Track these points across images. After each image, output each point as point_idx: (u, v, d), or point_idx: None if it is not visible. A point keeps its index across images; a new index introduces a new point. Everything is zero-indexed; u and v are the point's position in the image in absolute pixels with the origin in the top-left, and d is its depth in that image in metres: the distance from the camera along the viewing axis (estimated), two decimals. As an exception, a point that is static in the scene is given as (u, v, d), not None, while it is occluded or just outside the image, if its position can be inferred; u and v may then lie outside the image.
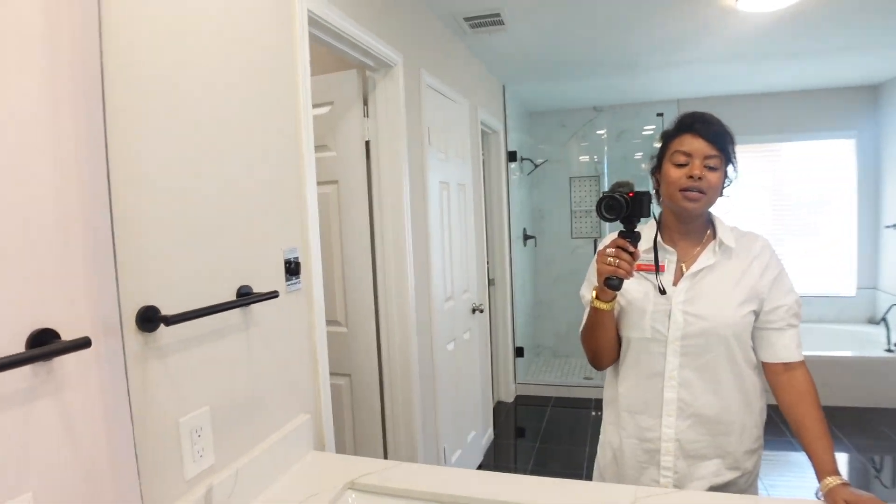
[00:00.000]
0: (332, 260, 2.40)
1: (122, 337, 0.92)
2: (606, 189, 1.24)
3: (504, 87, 4.62)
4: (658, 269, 1.33)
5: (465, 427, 3.29)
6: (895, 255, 4.84)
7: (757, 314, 1.31)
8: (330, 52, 2.03)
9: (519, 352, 4.87)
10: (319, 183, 1.86)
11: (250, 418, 1.29)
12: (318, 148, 2.28)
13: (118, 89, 0.94)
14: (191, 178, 1.11)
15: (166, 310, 1.01)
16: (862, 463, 3.47)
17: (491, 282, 4.42)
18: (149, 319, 0.98)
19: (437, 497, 1.25)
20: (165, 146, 1.05)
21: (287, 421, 1.43)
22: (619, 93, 5.03)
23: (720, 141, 1.26)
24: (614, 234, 1.29)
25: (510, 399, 4.73)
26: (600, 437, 1.52)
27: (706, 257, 1.33)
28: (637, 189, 1.23)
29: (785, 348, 1.30)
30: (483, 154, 4.13)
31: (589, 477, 1.53)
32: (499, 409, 4.54)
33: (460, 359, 3.20)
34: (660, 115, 4.87)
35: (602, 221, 1.23)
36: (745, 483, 1.34)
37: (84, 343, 0.78)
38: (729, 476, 1.32)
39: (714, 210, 1.36)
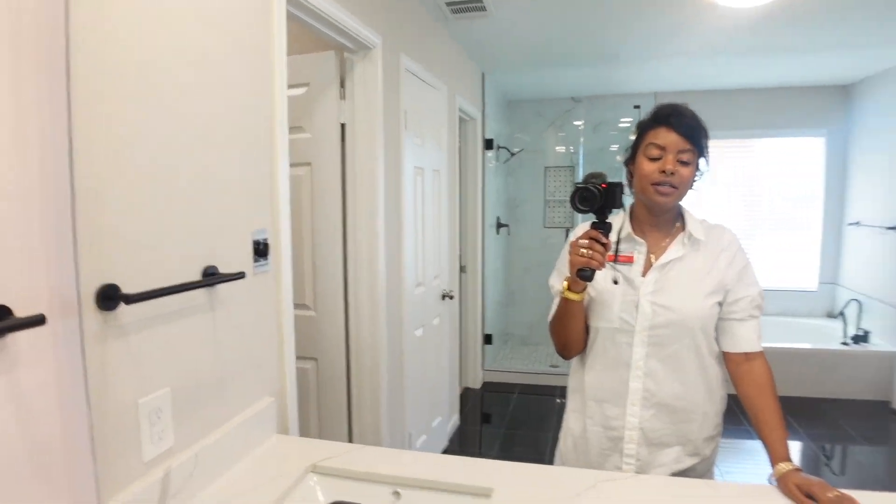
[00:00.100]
0: (303, 243, 2.38)
1: (80, 315, 0.89)
2: (580, 180, 1.25)
3: (483, 74, 4.60)
4: (617, 259, 1.34)
5: (432, 412, 3.31)
6: (856, 252, 4.99)
7: (721, 305, 1.34)
8: (308, 32, 2.00)
9: (488, 339, 4.90)
10: (292, 165, 1.83)
11: (213, 400, 1.27)
12: (293, 129, 2.24)
13: (83, 60, 0.90)
14: (156, 154, 1.08)
15: (127, 288, 0.99)
16: (814, 451, 3.59)
17: (463, 269, 4.43)
18: (109, 297, 0.95)
19: (399, 480, 1.25)
20: (131, 120, 1.02)
21: (251, 404, 1.42)
22: (597, 84, 5.05)
23: (694, 135, 1.28)
24: (585, 225, 1.30)
25: (477, 385, 4.76)
26: (563, 424, 1.54)
27: (675, 249, 1.35)
28: (609, 180, 1.24)
29: (746, 339, 1.33)
30: (459, 141, 4.11)
31: (552, 463, 1.55)
32: (466, 395, 4.57)
33: (429, 345, 3.21)
34: (637, 107, 4.91)
35: (575, 212, 1.24)
36: (702, 468, 1.39)
37: (38, 320, 0.75)
38: (689, 462, 1.36)
39: (684, 202, 1.38)
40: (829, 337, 4.80)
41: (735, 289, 1.33)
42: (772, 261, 5.37)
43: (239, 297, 1.36)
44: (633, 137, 1.39)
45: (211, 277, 1.22)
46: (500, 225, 5.34)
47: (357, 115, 2.33)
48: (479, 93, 4.54)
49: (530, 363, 5.22)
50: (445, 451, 3.53)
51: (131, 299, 0.96)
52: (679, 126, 1.27)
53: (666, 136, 1.28)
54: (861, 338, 4.49)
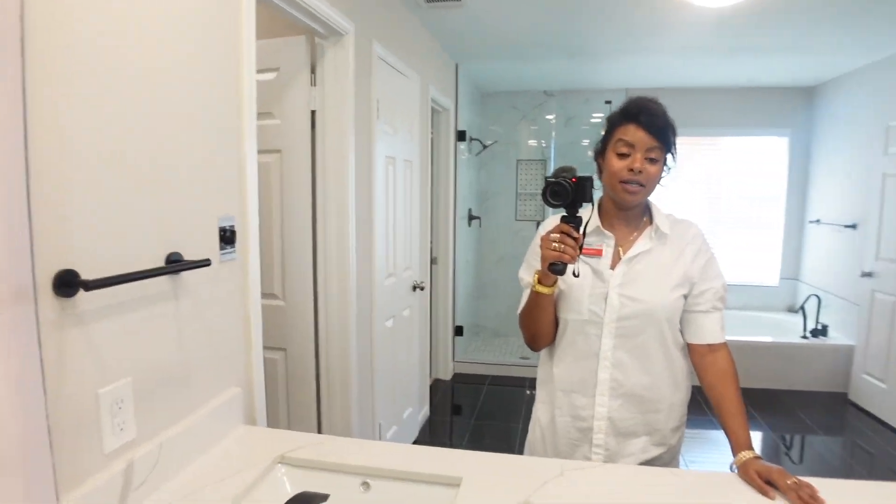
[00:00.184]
0: (272, 231, 2.34)
1: (36, 301, 0.86)
2: (550, 174, 1.24)
3: (457, 65, 4.58)
4: (581, 252, 1.35)
5: (402, 403, 3.30)
6: (816, 249, 5.13)
7: (686, 298, 1.36)
8: (278, 16, 1.95)
9: (458, 331, 4.91)
10: (261, 151, 1.80)
11: (177, 390, 1.24)
12: (262, 115, 2.20)
13: (38, 40, 0.86)
14: (119, 135, 1.05)
15: (87, 274, 0.95)
16: (774, 440, 3.70)
17: (434, 260, 4.42)
18: (67, 284, 0.92)
19: (368, 470, 1.24)
20: (92, 99, 0.98)
21: (217, 394, 1.39)
22: (570, 78, 5.08)
23: (662, 134, 1.29)
24: (555, 218, 1.30)
25: (448, 377, 4.77)
26: (532, 415, 1.55)
27: (643, 243, 1.36)
28: (579, 174, 1.24)
29: (710, 331, 1.36)
30: (432, 132, 4.10)
31: (522, 453, 1.56)
32: (436, 386, 4.57)
33: (399, 336, 3.20)
34: (608, 102, 4.96)
35: (546, 206, 1.24)
36: (668, 457, 1.41)
37: (-9, 306, 0.72)
38: (655, 452, 1.38)
39: (651, 197, 1.39)
40: (789, 331, 4.93)
41: (700, 281, 1.36)
42: (735, 257, 5.49)
43: (204, 286, 1.33)
44: (603, 132, 1.40)
45: (175, 264, 1.19)
46: (471, 217, 5.34)
47: (328, 102, 2.30)
48: (452, 84, 4.52)
49: (501, 355, 5.25)
50: (416, 442, 3.53)
51: (91, 286, 0.93)
52: (648, 125, 1.28)
53: (635, 134, 1.28)
54: (820, 332, 4.63)
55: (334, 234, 2.37)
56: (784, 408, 4.19)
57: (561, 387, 1.43)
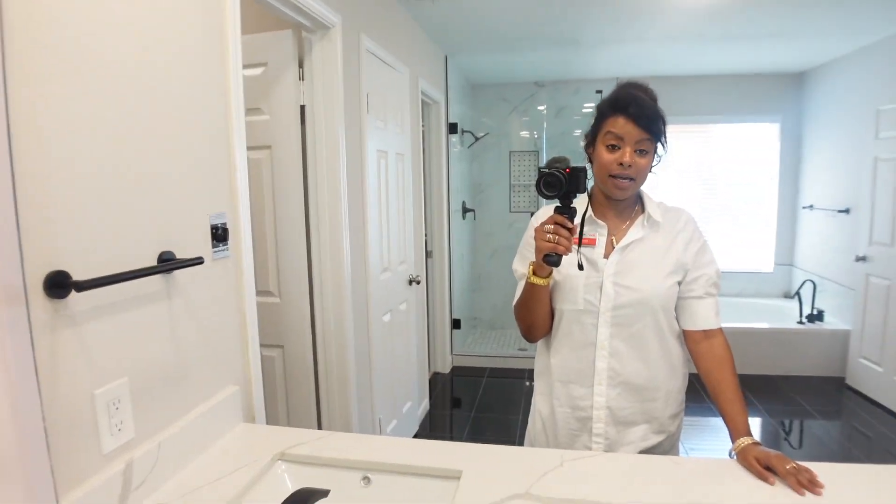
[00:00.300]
0: (265, 228, 2.33)
1: (28, 303, 0.85)
2: (543, 165, 1.24)
3: (447, 57, 4.56)
4: (581, 243, 1.35)
5: (401, 398, 3.30)
6: (810, 235, 5.15)
7: (680, 285, 1.36)
8: (264, 10, 1.93)
9: (456, 324, 4.91)
10: (252, 147, 1.79)
11: (174, 390, 1.23)
12: (251, 111, 2.19)
13: (20, 37, 0.85)
14: (105, 134, 1.03)
15: (78, 275, 0.94)
16: (773, 426, 3.72)
17: (429, 254, 4.42)
18: (58, 285, 0.91)
19: (369, 465, 1.24)
20: (78, 96, 0.97)
21: (214, 393, 1.38)
22: (560, 69, 5.06)
23: (653, 126, 1.27)
24: (549, 209, 1.30)
25: (446, 370, 4.77)
26: (531, 407, 1.55)
27: (635, 231, 1.36)
28: (573, 165, 1.23)
29: (704, 317, 1.36)
30: (423, 125, 4.08)
31: (522, 445, 1.56)
32: (435, 379, 4.58)
33: (396, 330, 3.20)
34: (598, 92, 4.93)
35: (540, 196, 1.23)
36: (668, 445, 1.41)
37: (-19, 309, 0.71)
38: (655, 440, 1.38)
39: (642, 185, 1.39)
40: (785, 317, 4.96)
41: (693, 268, 1.36)
42: (729, 244, 5.50)
43: (198, 284, 1.33)
44: (593, 121, 1.39)
45: (167, 263, 1.18)
46: (465, 210, 5.33)
47: (317, 97, 2.28)
48: (442, 76, 4.50)
49: (499, 347, 5.26)
50: (416, 436, 3.53)
51: (82, 286, 0.92)
52: (638, 117, 1.26)
53: (624, 127, 1.27)
54: (816, 317, 4.65)
55: (328, 230, 2.36)
56: (782, 393, 4.21)
57: (559, 377, 1.43)
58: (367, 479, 1.23)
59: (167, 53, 1.22)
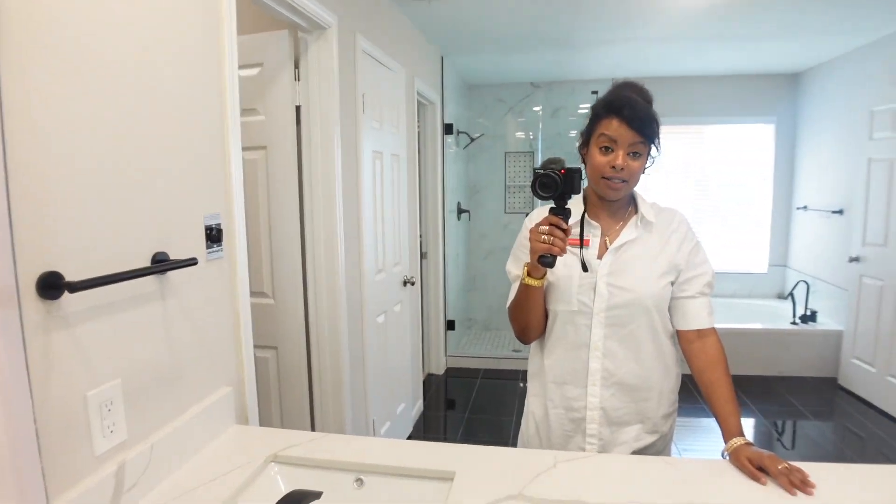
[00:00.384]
0: (259, 229, 2.32)
1: (20, 304, 0.84)
2: (538, 166, 1.24)
3: (442, 58, 4.56)
4: (583, 243, 1.35)
5: (395, 399, 3.30)
6: (803, 236, 5.17)
7: (674, 285, 1.37)
8: (260, 10, 1.93)
9: (450, 325, 4.91)
10: (247, 148, 1.78)
11: (167, 391, 1.23)
12: (246, 111, 2.18)
13: (14, 34, 0.85)
14: (102, 133, 1.03)
15: (71, 276, 0.94)
16: (766, 426, 3.73)
17: (424, 255, 4.42)
18: (51, 286, 0.90)
19: (362, 466, 1.24)
20: (71, 94, 0.96)
21: (208, 394, 1.38)
22: (555, 69, 5.07)
23: (646, 128, 1.27)
24: (542, 210, 1.30)
25: (441, 371, 4.77)
26: (525, 408, 1.55)
27: (629, 232, 1.37)
28: (568, 166, 1.24)
29: (698, 316, 1.36)
30: (419, 125, 4.08)
31: (516, 446, 1.56)
32: (429, 381, 4.58)
33: (391, 331, 3.19)
34: (594, 93, 4.94)
35: (535, 197, 1.24)
36: (661, 445, 1.42)
37: (-28, 310, 0.71)
38: (648, 440, 1.39)
39: (636, 186, 1.39)
40: (779, 317, 4.98)
41: (686, 268, 1.36)
42: (723, 245, 5.52)
43: (192, 285, 1.32)
44: (587, 122, 1.39)
45: (161, 264, 1.17)
46: (460, 210, 5.33)
47: (312, 98, 2.28)
48: (437, 77, 4.50)
49: (493, 348, 5.26)
50: (410, 438, 3.53)
51: (75, 287, 0.92)
52: (632, 120, 1.26)
53: (618, 129, 1.27)
54: (809, 317, 4.66)
55: (322, 231, 2.36)
56: (775, 394, 4.23)
57: (553, 378, 1.43)
58: (360, 481, 1.23)
59: (163, 53, 1.21)
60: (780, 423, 3.81)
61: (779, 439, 3.60)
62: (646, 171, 1.35)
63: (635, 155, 1.29)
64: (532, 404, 1.51)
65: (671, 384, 1.41)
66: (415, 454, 1.28)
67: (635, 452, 1.37)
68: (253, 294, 1.65)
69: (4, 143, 0.81)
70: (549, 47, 4.29)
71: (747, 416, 3.80)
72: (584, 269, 1.32)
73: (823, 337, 4.49)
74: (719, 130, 5.52)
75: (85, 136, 1.00)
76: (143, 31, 1.15)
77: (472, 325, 5.87)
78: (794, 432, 3.71)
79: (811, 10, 3.41)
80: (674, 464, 1.25)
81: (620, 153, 1.28)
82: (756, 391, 4.23)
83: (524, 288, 1.33)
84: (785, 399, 4.13)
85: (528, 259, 1.28)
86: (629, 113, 1.26)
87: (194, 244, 1.34)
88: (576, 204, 1.37)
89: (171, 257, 1.22)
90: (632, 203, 1.42)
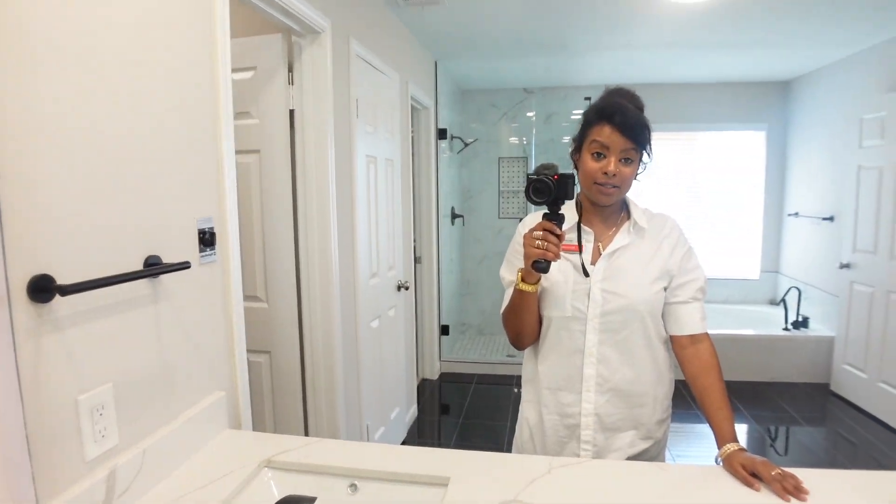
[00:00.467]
0: (253, 233, 2.31)
1: (10, 308, 0.84)
2: (532, 171, 1.24)
3: (436, 63, 4.57)
4: (581, 249, 1.35)
5: (389, 404, 3.29)
6: (795, 242, 5.21)
7: (666, 290, 1.37)
8: (254, 13, 1.93)
9: (444, 330, 4.91)
10: (240, 151, 1.78)
11: (160, 396, 1.22)
12: (240, 115, 2.18)
13: (1, 32, 0.84)
14: (93, 135, 1.03)
15: (63, 279, 0.93)
16: (759, 432, 3.74)
17: (418, 259, 4.41)
18: (42, 289, 0.89)
19: (355, 472, 1.23)
20: (63, 96, 0.96)
21: (200, 399, 1.37)
22: (549, 75, 5.09)
23: (637, 136, 1.28)
24: (535, 216, 1.30)
25: (435, 376, 4.76)
26: (519, 414, 1.55)
27: (621, 238, 1.37)
28: (561, 171, 1.24)
29: (690, 322, 1.37)
30: (413, 130, 4.08)
31: (510, 452, 1.56)
32: (423, 386, 4.57)
33: (385, 336, 3.19)
34: (587, 98, 4.94)
35: (528, 203, 1.24)
36: (655, 451, 1.42)
37: (-38, 314, 0.70)
38: (642, 446, 1.39)
39: (628, 192, 1.40)
40: (771, 323, 5.00)
41: (679, 274, 1.37)
42: (715, 251, 5.55)
43: (185, 289, 1.31)
44: (579, 128, 1.39)
45: (153, 267, 1.17)
46: (454, 215, 5.34)
47: (306, 102, 2.28)
48: (431, 82, 4.51)
49: (487, 353, 5.26)
50: (404, 443, 3.52)
51: (67, 291, 0.91)
52: (623, 126, 1.26)
53: (609, 136, 1.27)
54: (801, 323, 4.69)
55: (316, 235, 2.35)
56: (767, 399, 4.24)
57: (547, 384, 1.43)
58: (354, 487, 1.22)
59: (155, 56, 1.21)
60: (772, 428, 3.82)
61: (772, 445, 3.61)
62: (638, 177, 1.35)
63: (627, 161, 1.29)
64: (526, 410, 1.50)
65: (665, 390, 1.42)
66: (409, 459, 1.28)
67: (630, 458, 1.37)
68: (246, 298, 1.64)
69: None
70: (543, 53, 4.31)
71: (740, 421, 3.81)
72: (585, 273, 1.32)
73: (815, 343, 4.52)
74: (711, 137, 5.55)
75: (77, 139, 0.99)
76: (136, 34, 1.14)
77: (466, 330, 5.87)
78: (787, 438, 3.72)
79: (802, 20, 3.45)
80: (667, 469, 1.25)
81: (612, 159, 1.28)
82: (748, 397, 4.24)
83: (518, 293, 1.33)
84: (777, 405, 4.14)
85: (521, 264, 1.28)
86: (621, 119, 1.27)
87: (187, 248, 1.33)
88: (569, 209, 1.38)
89: (164, 261, 1.21)
90: (624, 209, 1.42)
